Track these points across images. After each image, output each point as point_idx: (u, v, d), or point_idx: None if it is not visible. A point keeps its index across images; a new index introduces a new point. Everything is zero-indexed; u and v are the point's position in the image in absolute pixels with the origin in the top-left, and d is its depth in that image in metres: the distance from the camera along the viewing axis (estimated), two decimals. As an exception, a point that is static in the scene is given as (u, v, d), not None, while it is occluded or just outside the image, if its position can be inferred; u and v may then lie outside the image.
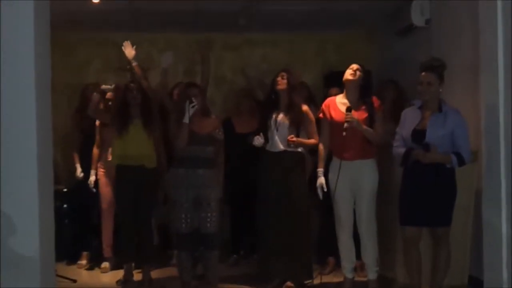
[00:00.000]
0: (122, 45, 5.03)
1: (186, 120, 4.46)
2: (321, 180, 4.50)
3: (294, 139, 4.61)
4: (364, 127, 4.37)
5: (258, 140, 4.67)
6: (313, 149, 4.75)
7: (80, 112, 5.65)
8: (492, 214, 4.08)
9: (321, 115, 4.60)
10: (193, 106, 4.46)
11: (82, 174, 5.47)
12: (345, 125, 4.30)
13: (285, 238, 4.63)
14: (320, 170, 4.54)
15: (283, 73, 4.73)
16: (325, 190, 4.49)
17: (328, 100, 4.60)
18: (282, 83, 4.70)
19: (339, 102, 4.52)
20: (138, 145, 4.84)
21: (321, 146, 4.59)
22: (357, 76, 4.43)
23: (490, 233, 4.12)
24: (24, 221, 3.41)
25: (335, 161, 4.51)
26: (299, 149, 4.72)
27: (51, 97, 3.75)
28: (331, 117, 4.52)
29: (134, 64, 5.03)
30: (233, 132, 5.40)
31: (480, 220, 4.21)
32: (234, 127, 5.53)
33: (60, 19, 5.02)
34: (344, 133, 4.28)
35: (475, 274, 4.40)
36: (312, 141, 4.69)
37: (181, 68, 6.65)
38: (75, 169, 5.58)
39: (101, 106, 5.31)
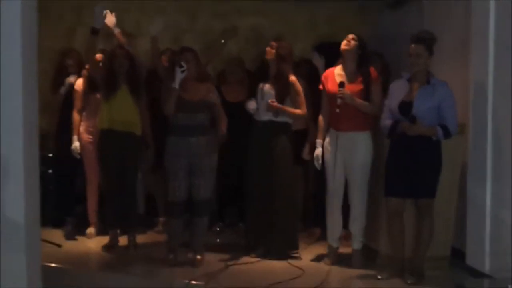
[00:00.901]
0: (110, 11, 4.95)
1: (175, 85, 4.40)
2: (318, 151, 4.53)
3: (275, 103, 4.59)
4: (358, 101, 4.36)
5: (251, 104, 4.64)
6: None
7: (60, 75, 5.57)
8: (476, 187, 4.15)
9: (321, 86, 4.60)
10: (182, 71, 4.39)
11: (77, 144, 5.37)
12: (338, 101, 4.29)
13: (270, 208, 4.66)
14: (319, 141, 4.56)
15: (273, 43, 4.71)
16: (320, 161, 4.51)
17: (328, 71, 4.58)
18: (270, 53, 4.68)
19: (337, 74, 4.50)
20: (125, 111, 4.81)
21: (321, 118, 4.60)
22: (352, 46, 4.40)
23: (474, 206, 4.19)
24: (9, 186, 3.40)
25: (331, 132, 4.52)
26: (285, 119, 4.70)
27: (37, 63, 3.71)
28: (328, 89, 4.51)
29: (116, 31, 4.98)
30: (222, 101, 5.37)
31: (465, 193, 4.28)
32: (223, 95, 5.50)
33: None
34: (337, 110, 4.29)
35: (458, 246, 4.47)
36: (296, 110, 4.68)
37: (169, 36, 6.57)
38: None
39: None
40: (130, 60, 4.85)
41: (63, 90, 5.51)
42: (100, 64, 5.08)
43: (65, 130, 5.46)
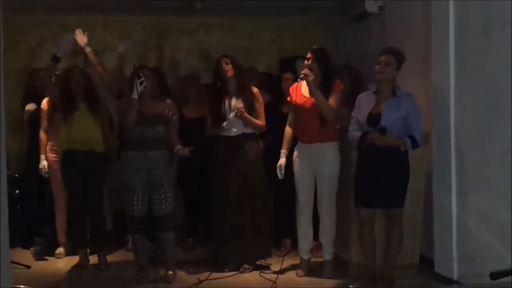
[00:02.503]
0: (74, 28, 4.95)
1: (134, 95, 4.40)
2: (282, 161, 4.57)
3: (243, 110, 4.65)
4: (318, 92, 4.39)
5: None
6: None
7: (27, 96, 5.54)
8: (442, 195, 4.23)
9: (288, 98, 4.67)
10: (141, 83, 4.39)
11: (44, 164, 5.29)
12: (301, 76, 4.36)
13: (242, 221, 4.68)
14: (283, 151, 4.59)
15: (225, 59, 4.75)
16: (283, 171, 4.55)
17: (295, 84, 4.62)
18: (229, 69, 4.72)
19: (304, 87, 4.56)
20: (84, 129, 4.80)
21: (287, 128, 4.65)
22: (310, 73, 4.39)
23: (441, 214, 4.27)
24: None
25: (299, 144, 4.59)
26: (254, 131, 4.76)
27: (3, 83, 3.67)
28: (295, 101, 4.57)
29: (88, 51, 4.98)
30: (181, 118, 5.37)
31: (431, 201, 4.36)
32: (182, 112, 5.49)
33: (12, 1, 4.90)
34: (298, 80, 4.38)
35: (426, 253, 4.55)
36: (258, 122, 4.74)
37: (135, 52, 6.57)
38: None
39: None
40: (86, 78, 4.86)
41: (26, 115, 5.52)
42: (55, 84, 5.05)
43: (33, 149, 5.40)
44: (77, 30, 4.91)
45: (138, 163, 4.46)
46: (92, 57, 5.00)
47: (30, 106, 5.52)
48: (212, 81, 4.87)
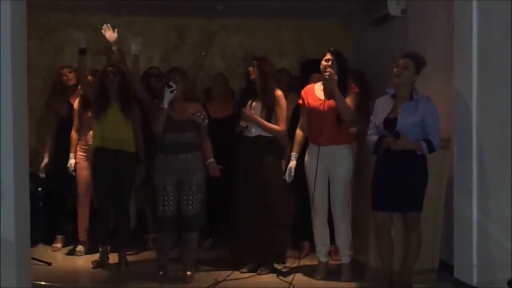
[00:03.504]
0: (99, 28, 4.99)
1: (165, 105, 4.44)
2: (292, 163, 4.59)
3: (250, 112, 4.65)
4: (339, 92, 4.39)
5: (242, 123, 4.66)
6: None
7: (56, 94, 5.61)
8: (463, 200, 4.18)
9: (300, 101, 4.66)
10: (171, 91, 4.44)
11: (72, 162, 5.33)
12: (326, 74, 4.36)
13: (258, 223, 4.69)
14: (294, 154, 4.61)
15: (254, 62, 4.78)
16: (293, 174, 4.57)
17: (308, 87, 4.66)
18: (253, 71, 4.75)
19: (317, 89, 4.57)
20: (116, 129, 4.84)
21: (298, 131, 4.66)
22: (333, 76, 4.40)
23: (461, 220, 4.22)
24: (-1, 204, 3.40)
25: (311, 147, 4.58)
26: (271, 134, 4.74)
27: (27, 81, 3.73)
28: (308, 103, 4.57)
29: (115, 48, 5.01)
30: (207, 117, 5.40)
31: (451, 206, 4.32)
32: (208, 112, 5.52)
33: (38, 2, 4.98)
34: (325, 74, 4.37)
35: (445, 259, 4.51)
36: (273, 126, 4.71)
37: (157, 54, 6.63)
38: (46, 155, 5.51)
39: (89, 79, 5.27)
40: (121, 77, 4.88)
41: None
42: (92, 82, 5.12)
43: (60, 148, 5.47)
44: (105, 25, 4.91)
45: (168, 165, 4.51)
46: (118, 55, 5.02)
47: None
48: (245, 81, 4.87)
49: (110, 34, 4.92)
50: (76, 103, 5.38)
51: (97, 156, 4.91)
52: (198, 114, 4.56)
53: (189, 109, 4.57)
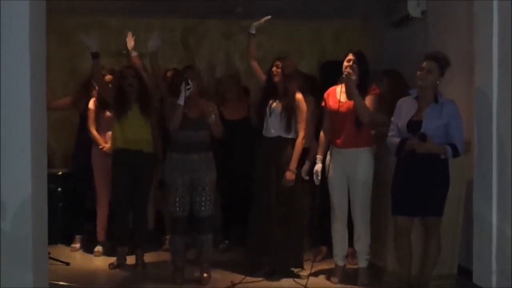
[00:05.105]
0: (119, 29, 5.05)
1: (181, 101, 4.43)
2: (318, 166, 4.56)
3: (290, 176, 4.59)
4: (357, 93, 4.35)
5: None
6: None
7: (82, 94, 5.63)
8: (482, 205, 4.12)
9: (323, 103, 4.64)
10: (188, 88, 4.44)
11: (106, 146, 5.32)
12: (345, 74, 4.34)
13: (276, 225, 4.66)
14: (319, 157, 4.59)
15: (278, 63, 4.75)
16: (320, 177, 4.53)
17: (330, 89, 4.62)
18: (277, 73, 4.72)
19: (338, 91, 4.54)
20: (136, 130, 4.88)
21: (322, 134, 4.63)
22: (352, 73, 4.37)
23: (481, 224, 4.16)
24: (17, 204, 3.44)
25: (333, 149, 4.56)
26: (293, 136, 4.72)
27: (46, 82, 3.77)
28: (329, 105, 4.55)
29: (133, 54, 5.08)
30: (221, 119, 5.40)
31: (471, 211, 4.26)
32: (222, 114, 5.52)
33: (57, 4, 5.03)
34: (344, 74, 4.35)
35: (464, 264, 4.45)
36: (297, 150, 4.61)
37: (176, 55, 6.65)
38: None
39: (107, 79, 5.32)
40: (139, 79, 4.92)
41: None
42: (110, 85, 5.16)
43: (80, 148, 5.52)
44: (128, 33, 5.02)
45: (181, 165, 4.51)
46: (137, 61, 5.08)
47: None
48: (266, 80, 4.85)
49: (129, 41, 5.05)
50: (91, 104, 5.42)
51: (118, 157, 4.94)
52: (211, 109, 4.53)
53: (203, 107, 4.55)
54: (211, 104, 4.63)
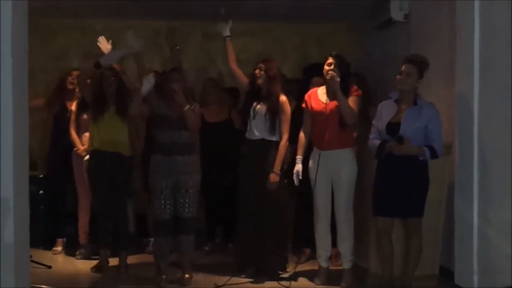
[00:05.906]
0: (101, 32, 5.01)
1: (143, 91, 4.47)
2: (298, 167, 4.57)
3: (274, 178, 4.62)
4: (342, 94, 4.38)
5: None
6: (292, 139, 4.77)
7: (57, 94, 5.60)
8: (464, 207, 4.17)
9: (303, 105, 4.66)
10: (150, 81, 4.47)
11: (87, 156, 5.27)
12: (328, 77, 4.36)
13: (259, 227, 4.66)
14: (299, 157, 4.59)
15: (261, 65, 4.76)
16: (300, 177, 4.54)
17: (311, 91, 4.65)
18: (260, 75, 4.73)
19: (320, 93, 4.57)
20: (113, 131, 4.86)
21: (301, 134, 4.64)
22: (336, 78, 4.39)
23: (462, 226, 4.21)
24: (-2, 207, 3.40)
25: (315, 151, 4.57)
26: (277, 138, 4.73)
27: (28, 83, 3.74)
28: (311, 107, 4.57)
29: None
30: (202, 122, 5.39)
31: (452, 212, 4.30)
32: (203, 116, 5.51)
33: (40, 5, 4.99)
34: (327, 77, 4.37)
35: (446, 265, 4.49)
36: (281, 153, 4.64)
37: (159, 57, 6.63)
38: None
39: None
40: (118, 80, 4.90)
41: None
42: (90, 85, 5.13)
43: (56, 150, 5.48)
44: (100, 37, 4.91)
45: (165, 167, 4.50)
46: (116, 66, 5.06)
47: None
48: (249, 82, 4.85)
49: (104, 45, 4.89)
50: (73, 105, 5.39)
51: (93, 159, 4.92)
52: (192, 106, 4.52)
53: (179, 100, 4.50)
54: (193, 103, 4.61)
